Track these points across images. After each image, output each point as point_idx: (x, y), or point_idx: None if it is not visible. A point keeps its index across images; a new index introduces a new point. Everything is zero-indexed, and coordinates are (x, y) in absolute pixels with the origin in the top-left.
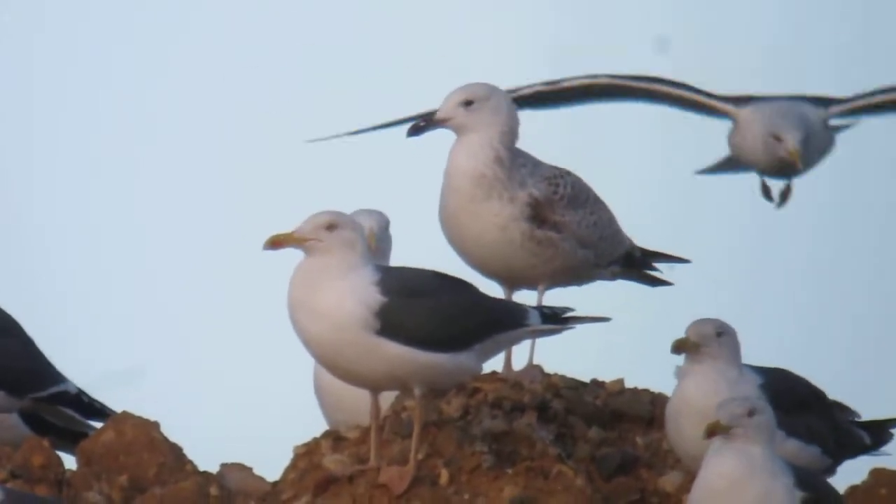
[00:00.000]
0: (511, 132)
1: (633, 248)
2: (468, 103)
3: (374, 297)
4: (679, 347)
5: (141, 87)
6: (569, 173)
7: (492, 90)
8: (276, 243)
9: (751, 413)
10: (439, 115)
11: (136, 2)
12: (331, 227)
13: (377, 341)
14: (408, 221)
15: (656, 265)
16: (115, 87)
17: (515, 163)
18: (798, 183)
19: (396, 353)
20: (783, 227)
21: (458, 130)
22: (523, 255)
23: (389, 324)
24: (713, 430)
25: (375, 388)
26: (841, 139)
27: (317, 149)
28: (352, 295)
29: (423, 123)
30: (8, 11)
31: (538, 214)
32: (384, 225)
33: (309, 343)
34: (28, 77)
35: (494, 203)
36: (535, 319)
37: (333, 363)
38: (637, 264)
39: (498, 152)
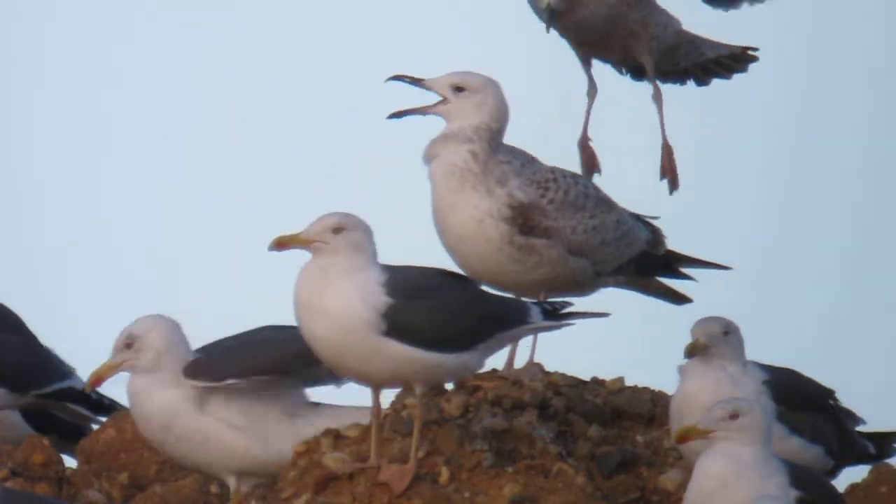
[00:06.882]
0: (491, 129)
1: (658, 247)
2: (459, 90)
3: (381, 299)
4: (692, 352)
5: (141, 85)
6: (564, 176)
7: (485, 84)
8: (281, 244)
9: (733, 416)
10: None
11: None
12: (337, 229)
13: (383, 342)
14: (413, 221)
15: (688, 273)
16: (115, 85)
17: (495, 159)
18: (800, 183)
19: (402, 354)
20: (782, 224)
21: (442, 116)
22: (503, 259)
23: (395, 325)
24: (685, 435)
25: (379, 386)
26: (848, 139)
27: (320, 148)
28: (358, 296)
29: (405, 110)
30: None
31: (526, 221)
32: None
33: (315, 343)
34: (30, 75)
35: (471, 194)
36: (536, 316)
37: (340, 363)
38: (654, 266)
39: (472, 145)
